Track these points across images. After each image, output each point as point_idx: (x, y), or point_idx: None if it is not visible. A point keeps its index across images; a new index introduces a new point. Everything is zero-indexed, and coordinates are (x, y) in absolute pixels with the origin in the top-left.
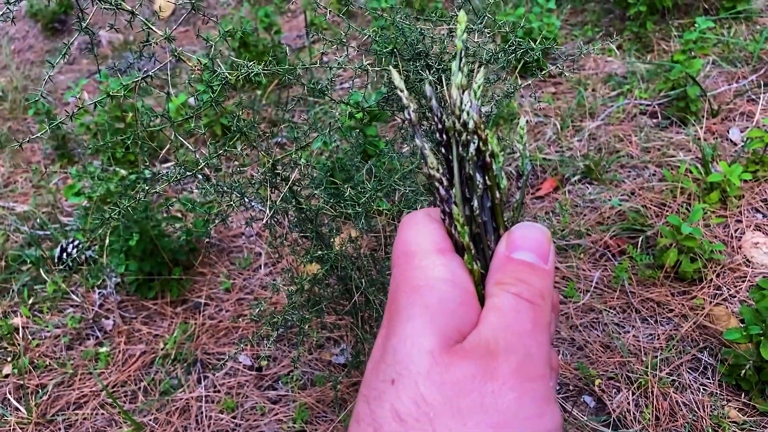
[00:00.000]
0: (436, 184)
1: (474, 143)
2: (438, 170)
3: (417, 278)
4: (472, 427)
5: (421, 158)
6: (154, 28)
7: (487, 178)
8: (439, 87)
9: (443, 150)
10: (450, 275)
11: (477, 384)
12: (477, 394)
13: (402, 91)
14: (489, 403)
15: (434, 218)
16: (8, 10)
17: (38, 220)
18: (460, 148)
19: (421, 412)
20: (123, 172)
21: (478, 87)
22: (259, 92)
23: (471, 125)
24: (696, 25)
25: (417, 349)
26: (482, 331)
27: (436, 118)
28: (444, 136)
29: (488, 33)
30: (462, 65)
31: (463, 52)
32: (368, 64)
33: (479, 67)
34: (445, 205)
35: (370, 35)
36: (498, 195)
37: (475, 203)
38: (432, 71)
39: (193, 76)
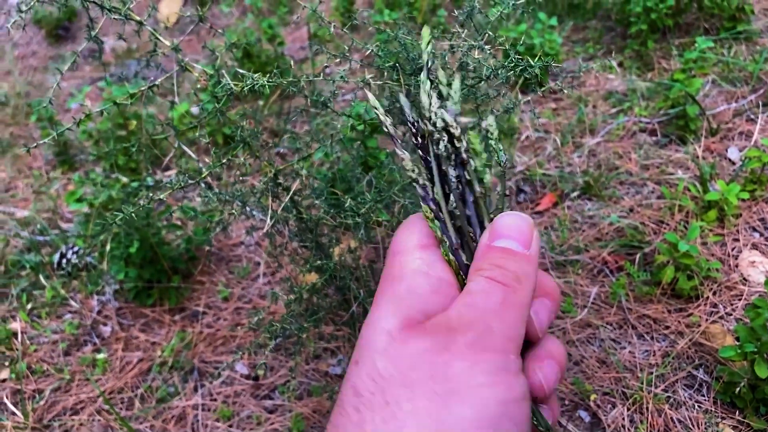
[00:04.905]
0: (414, 183)
1: (443, 141)
2: (413, 170)
3: (394, 271)
4: (420, 395)
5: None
6: (161, 38)
7: (466, 173)
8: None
9: (421, 152)
10: (425, 266)
11: (429, 356)
12: (429, 365)
13: (377, 109)
14: (439, 373)
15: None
16: (20, 18)
17: (38, 226)
18: (435, 148)
19: (376, 386)
20: (125, 179)
21: (455, 92)
22: (261, 102)
23: (439, 124)
24: (696, 44)
25: (378, 330)
26: (448, 312)
27: (409, 123)
28: (420, 139)
29: (489, 50)
30: (432, 75)
31: (430, 63)
32: (370, 77)
33: (457, 74)
34: (423, 203)
35: (372, 50)
36: (479, 189)
37: (452, 198)
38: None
39: (198, 86)
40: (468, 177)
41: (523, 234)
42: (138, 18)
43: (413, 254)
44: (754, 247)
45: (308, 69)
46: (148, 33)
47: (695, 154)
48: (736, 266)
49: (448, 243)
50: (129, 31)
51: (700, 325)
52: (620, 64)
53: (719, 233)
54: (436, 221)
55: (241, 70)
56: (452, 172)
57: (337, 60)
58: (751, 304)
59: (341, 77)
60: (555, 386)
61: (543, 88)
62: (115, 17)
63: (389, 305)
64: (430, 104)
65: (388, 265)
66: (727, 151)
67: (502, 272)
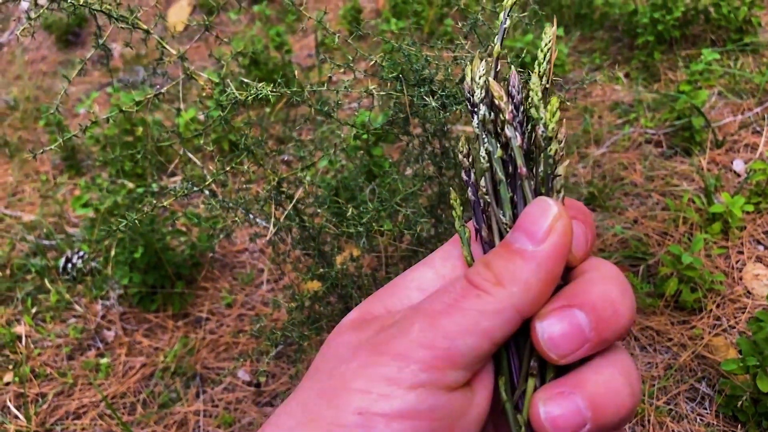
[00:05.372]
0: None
1: (478, 114)
2: (464, 153)
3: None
4: (312, 387)
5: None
6: (168, 47)
7: (511, 149)
8: (441, 113)
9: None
10: (438, 261)
11: (344, 351)
12: (336, 360)
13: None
14: (337, 369)
15: None
16: (29, 26)
17: (44, 230)
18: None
19: (311, 370)
20: (130, 185)
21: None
22: (267, 110)
23: (477, 95)
24: (702, 56)
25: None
26: (402, 310)
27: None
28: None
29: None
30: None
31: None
32: (374, 87)
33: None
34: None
35: (377, 61)
36: (521, 167)
37: (482, 181)
38: (435, 97)
39: (203, 94)
40: (514, 154)
41: (533, 226)
42: (145, 27)
43: (446, 246)
44: (759, 260)
45: (315, 77)
46: (155, 41)
47: (700, 166)
48: (740, 279)
49: (467, 234)
50: (137, 38)
51: (703, 338)
52: (626, 75)
53: (723, 246)
54: (460, 209)
55: (246, 80)
56: (486, 147)
57: (342, 70)
58: (754, 318)
59: (345, 87)
60: None
61: None
62: (123, 26)
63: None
64: (477, 75)
65: None
66: (732, 163)
67: (481, 272)
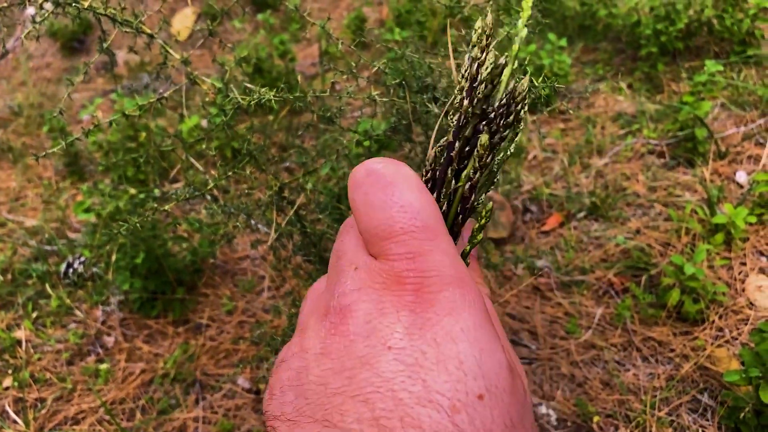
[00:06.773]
0: (478, 163)
1: (501, 120)
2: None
3: (456, 268)
4: None
5: (474, 133)
6: (171, 51)
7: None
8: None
9: (456, 131)
10: (466, 267)
11: (529, 399)
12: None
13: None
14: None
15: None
16: (34, 29)
17: (46, 235)
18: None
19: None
20: (133, 190)
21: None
22: (270, 117)
23: (521, 115)
24: (706, 67)
25: (499, 364)
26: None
27: (481, 96)
28: (475, 119)
29: None
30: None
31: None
32: (377, 94)
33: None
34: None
35: (380, 67)
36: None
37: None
38: (438, 104)
39: (207, 99)
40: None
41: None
42: (149, 31)
43: (450, 244)
44: (761, 271)
45: (318, 85)
46: (159, 46)
47: (703, 177)
48: (743, 290)
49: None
50: (141, 45)
51: (705, 349)
52: (629, 86)
53: (726, 257)
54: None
55: (249, 85)
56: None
57: (345, 77)
58: (757, 329)
59: (348, 94)
60: None
61: (549, 108)
62: (127, 30)
63: (490, 327)
64: (520, 90)
65: (428, 248)
66: (735, 174)
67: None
